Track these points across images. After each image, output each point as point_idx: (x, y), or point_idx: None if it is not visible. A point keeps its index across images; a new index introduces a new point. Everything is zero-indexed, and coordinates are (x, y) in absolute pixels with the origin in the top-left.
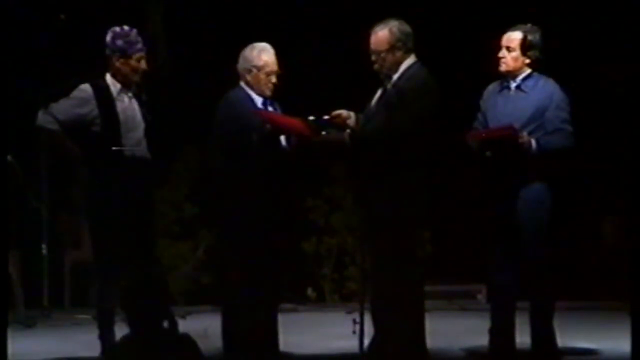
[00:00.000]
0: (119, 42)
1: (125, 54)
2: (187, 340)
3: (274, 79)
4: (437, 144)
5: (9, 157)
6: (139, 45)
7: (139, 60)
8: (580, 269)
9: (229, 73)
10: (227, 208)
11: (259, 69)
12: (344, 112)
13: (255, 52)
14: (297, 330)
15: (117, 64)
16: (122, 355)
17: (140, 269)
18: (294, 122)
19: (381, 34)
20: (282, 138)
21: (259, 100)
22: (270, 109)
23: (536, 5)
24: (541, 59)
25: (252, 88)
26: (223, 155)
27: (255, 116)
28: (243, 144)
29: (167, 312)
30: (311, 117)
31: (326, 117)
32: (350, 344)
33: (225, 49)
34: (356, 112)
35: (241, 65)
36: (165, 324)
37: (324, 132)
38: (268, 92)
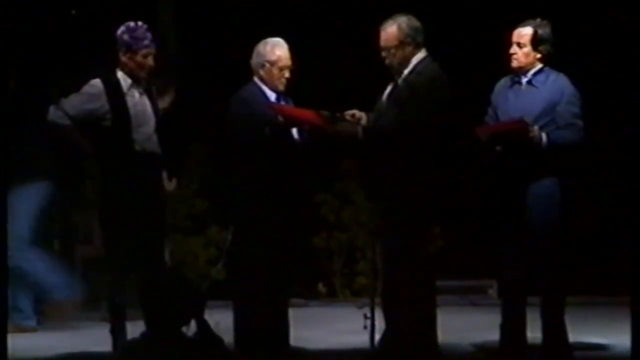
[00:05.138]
0: (125, 37)
1: (130, 48)
2: (213, 342)
3: (287, 74)
4: (448, 138)
5: None
6: (146, 42)
7: (145, 57)
8: (591, 264)
9: (241, 69)
10: (239, 202)
11: (272, 63)
12: (357, 112)
13: (268, 47)
14: (307, 325)
15: (124, 58)
16: (139, 353)
17: (152, 265)
18: (307, 113)
19: (390, 30)
20: (295, 132)
21: (272, 96)
22: (283, 104)
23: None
24: (552, 53)
25: (265, 83)
26: (236, 149)
27: (268, 110)
28: (256, 138)
29: (196, 312)
30: (325, 112)
31: (339, 114)
32: (361, 339)
33: (237, 45)
34: (367, 112)
35: (254, 60)
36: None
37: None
38: (281, 87)
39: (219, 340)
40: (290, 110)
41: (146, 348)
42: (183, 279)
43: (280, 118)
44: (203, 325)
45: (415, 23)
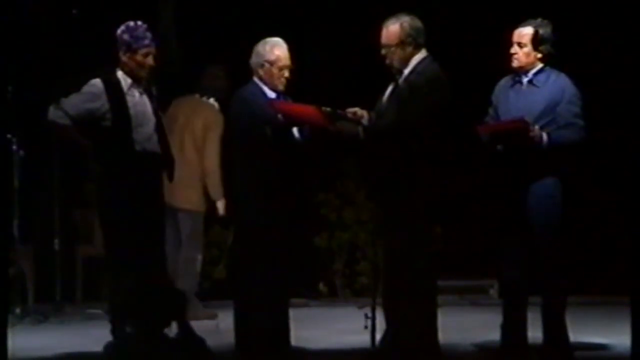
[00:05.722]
0: (125, 36)
1: (130, 48)
2: (195, 344)
3: (286, 74)
4: (448, 138)
5: (21, 153)
6: (146, 41)
7: (145, 56)
8: (592, 264)
9: (241, 69)
10: (240, 202)
11: (272, 63)
12: (358, 110)
13: (267, 47)
14: (308, 325)
15: (124, 58)
16: (122, 353)
17: (151, 266)
18: (309, 110)
19: (392, 29)
20: (296, 131)
21: (272, 95)
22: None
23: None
24: (553, 53)
25: (265, 83)
26: (236, 149)
27: (269, 108)
28: (256, 137)
29: (178, 313)
30: (327, 109)
31: (340, 111)
32: (362, 339)
33: (237, 46)
34: (369, 110)
35: (254, 60)
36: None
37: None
38: (281, 87)
39: (199, 341)
40: (291, 107)
41: (129, 348)
42: (165, 281)
43: (281, 117)
44: (185, 326)
45: (418, 24)
